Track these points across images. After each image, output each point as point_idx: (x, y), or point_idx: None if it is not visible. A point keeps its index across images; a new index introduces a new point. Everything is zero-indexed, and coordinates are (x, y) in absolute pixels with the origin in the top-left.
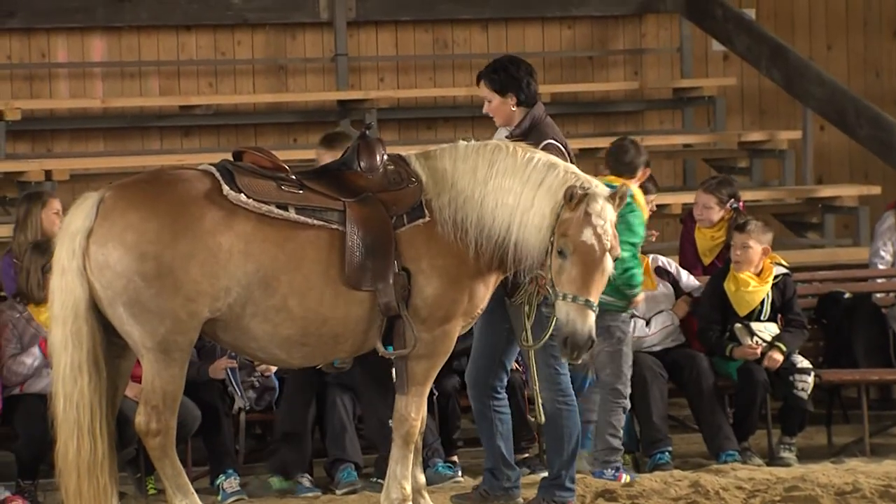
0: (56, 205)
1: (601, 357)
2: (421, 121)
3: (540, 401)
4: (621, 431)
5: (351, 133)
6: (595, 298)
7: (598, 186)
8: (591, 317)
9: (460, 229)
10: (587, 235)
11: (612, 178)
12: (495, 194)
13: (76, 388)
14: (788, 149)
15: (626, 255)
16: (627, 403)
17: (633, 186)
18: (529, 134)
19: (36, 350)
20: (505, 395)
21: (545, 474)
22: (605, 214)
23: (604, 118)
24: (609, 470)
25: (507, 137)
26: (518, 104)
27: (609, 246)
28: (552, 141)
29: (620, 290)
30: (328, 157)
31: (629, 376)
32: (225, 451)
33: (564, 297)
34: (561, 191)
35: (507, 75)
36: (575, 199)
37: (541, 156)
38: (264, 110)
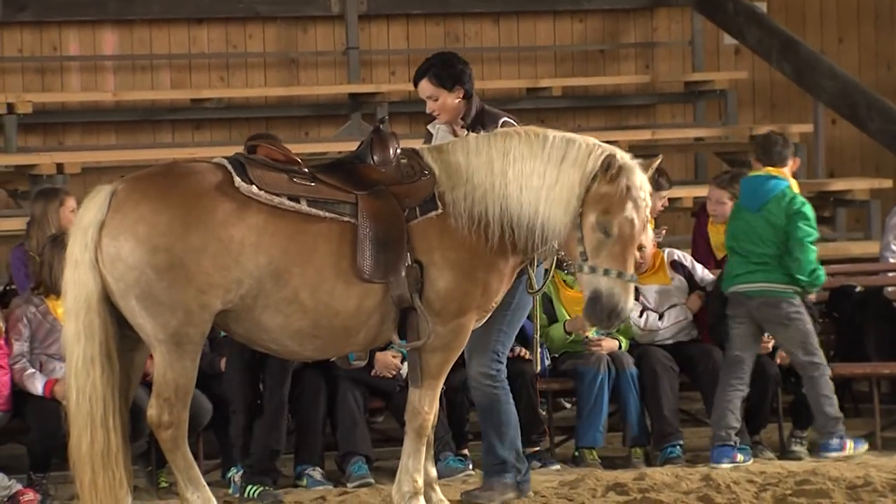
0: (72, 203)
1: (792, 342)
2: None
3: (539, 351)
4: (835, 399)
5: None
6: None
7: (628, 157)
8: (633, 290)
9: (478, 223)
10: (629, 211)
11: (770, 169)
12: (518, 181)
13: (89, 381)
14: (800, 142)
15: (811, 255)
16: (828, 369)
17: (789, 176)
18: (484, 119)
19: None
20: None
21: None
22: (645, 186)
23: (615, 112)
24: (835, 439)
25: (464, 129)
26: (464, 97)
27: (648, 219)
28: (507, 118)
29: (805, 287)
30: None
31: (817, 343)
32: (236, 445)
33: (606, 273)
34: (588, 161)
35: (453, 69)
36: (613, 169)
37: (555, 133)
38: (276, 104)
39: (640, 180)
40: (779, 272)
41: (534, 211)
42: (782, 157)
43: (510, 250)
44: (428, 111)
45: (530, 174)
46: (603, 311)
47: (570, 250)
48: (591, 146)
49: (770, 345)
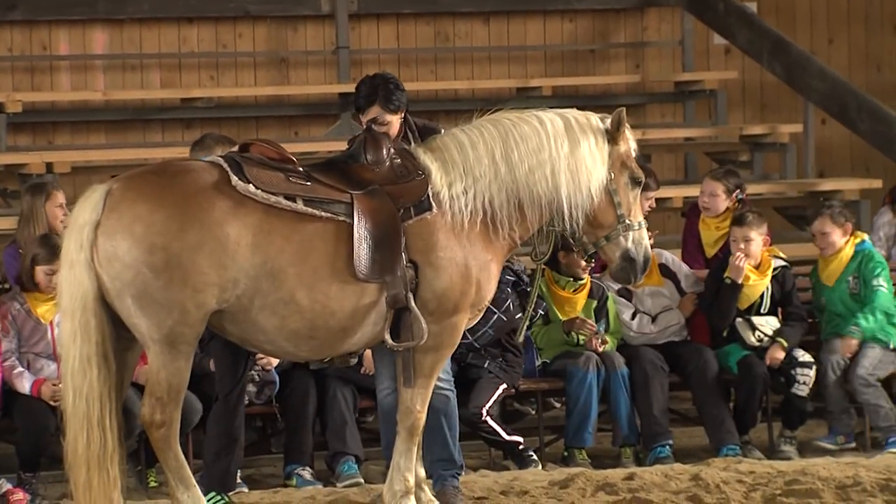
0: (60, 197)
1: None
2: (422, 114)
3: (527, 322)
4: None
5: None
6: None
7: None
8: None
9: (483, 215)
10: (634, 149)
11: None
12: (527, 161)
13: (85, 381)
14: (790, 142)
15: None
16: None
17: None
18: (426, 135)
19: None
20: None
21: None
22: None
23: (605, 111)
24: None
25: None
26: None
27: None
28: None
29: None
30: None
31: None
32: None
33: (640, 226)
34: (592, 125)
35: (399, 92)
36: (623, 123)
37: (538, 111)
38: (266, 103)
39: (621, 117)
40: None
41: (552, 185)
42: None
43: (505, 245)
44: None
45: (538, 150)
46: (641, 267)
47: (605, 218)
48: (582, 112)
49: (781, 355)
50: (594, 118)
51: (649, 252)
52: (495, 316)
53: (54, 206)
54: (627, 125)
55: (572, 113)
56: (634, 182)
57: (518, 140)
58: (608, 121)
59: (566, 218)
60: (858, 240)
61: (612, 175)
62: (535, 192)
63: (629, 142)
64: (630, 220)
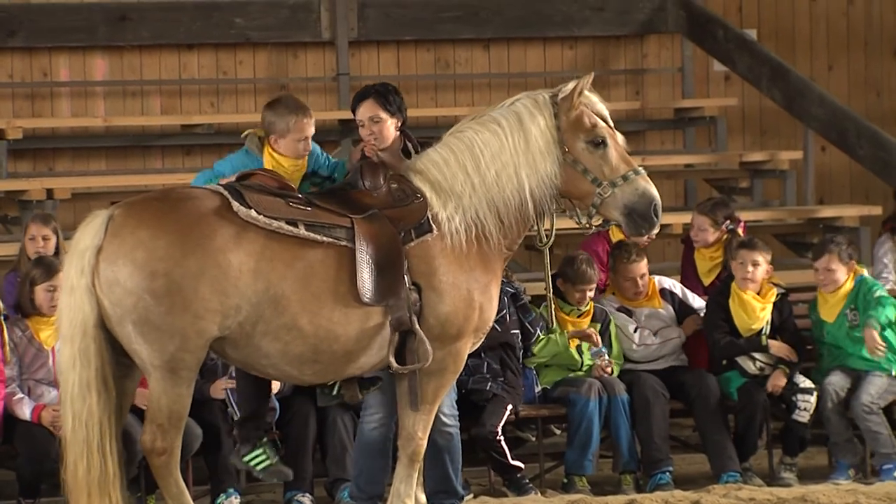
0: (34, 229)
1: None
2: (422, 140)
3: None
4: None
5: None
6: None
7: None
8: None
9: (478, 226)
10: (601, 111)
11: None
12: (494, 166)
13: (85, 407)
14: (789, 169)
15: None
16: None
17: None
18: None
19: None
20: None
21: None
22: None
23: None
24: None
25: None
26: (399, 128)
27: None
28: None
29: None
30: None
31: None
32: (226, 471)
33: (626, 178)
34: (540, 103)
35: (396, 96)
36: (575, 93)
37: (495, 112)
38: None
39: (580, 85)
40: None
41: (517, 184)
42: None
43: (500, 257)
44: (365, 135)
45: (500, 152)
46: (646, 214)
47: (580, 189)
48: (530, 94)
49: (783, 381)
50: (542, 95)
51: (652, 195)
52: None
53: (27, 238)
54: (585, 90)
55: (523, 100)
56: (594, 144)
57: (482, 148)
58: (562, 90)
59: (542, 209)
60: (857, 275)
61: (566, 148)
62: (506, 197)
63: (586, 105)
64: (611, 179)
